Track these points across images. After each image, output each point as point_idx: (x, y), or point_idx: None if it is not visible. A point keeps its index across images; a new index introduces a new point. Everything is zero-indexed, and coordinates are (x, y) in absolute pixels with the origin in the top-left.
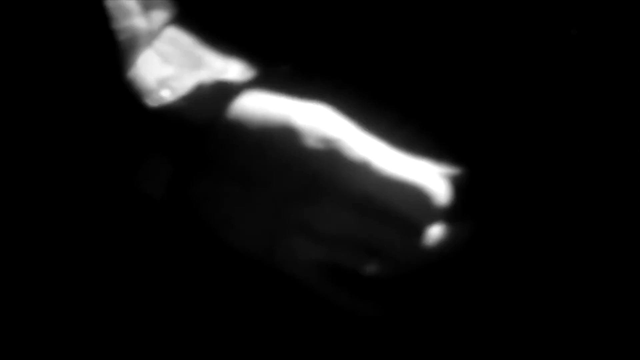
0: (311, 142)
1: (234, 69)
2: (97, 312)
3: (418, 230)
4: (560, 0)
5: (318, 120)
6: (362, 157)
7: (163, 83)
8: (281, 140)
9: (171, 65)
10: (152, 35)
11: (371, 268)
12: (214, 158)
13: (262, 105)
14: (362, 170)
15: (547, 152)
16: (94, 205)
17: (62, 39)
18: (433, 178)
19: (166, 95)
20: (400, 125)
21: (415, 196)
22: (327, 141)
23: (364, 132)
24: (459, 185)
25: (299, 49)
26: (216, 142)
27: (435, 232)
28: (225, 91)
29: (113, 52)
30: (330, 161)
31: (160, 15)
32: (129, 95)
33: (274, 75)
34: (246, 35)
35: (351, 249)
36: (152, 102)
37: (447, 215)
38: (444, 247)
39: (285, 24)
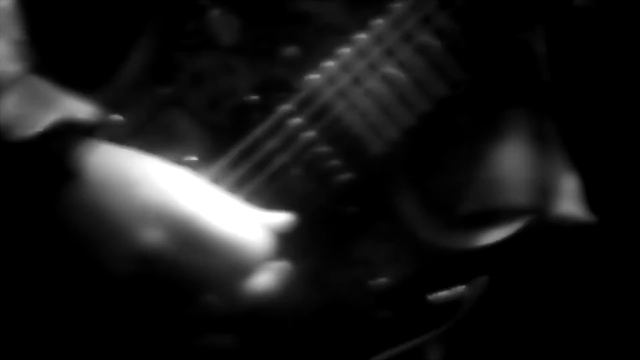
0: (145, 191)
1: (83, 112)
2: None
3: (242, 275)
4: None
5: (152, 170)
6: (194, 204)
7: (22, 121)
8: (119, 187)
9: (30, 106)
10: (15, 80)
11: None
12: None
13: (104, 151)
14: (191, 215)
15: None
16: None
17: None
18: (258, 226)
19: (25, 132)
20: (233, 170)
21: (238, 245)
22: (162, 191)
23: (199, 179)
24: (286, 232)
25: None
26: (66, 174)
27: (261, 279)
28: (76, 129)
29: None
30: (164, 206)
31: (22, 63)
32: None
33: (116, 122)
34: (95, 82)
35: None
36: (11, 137)
37: (273, 260)
38: (268, 292)
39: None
